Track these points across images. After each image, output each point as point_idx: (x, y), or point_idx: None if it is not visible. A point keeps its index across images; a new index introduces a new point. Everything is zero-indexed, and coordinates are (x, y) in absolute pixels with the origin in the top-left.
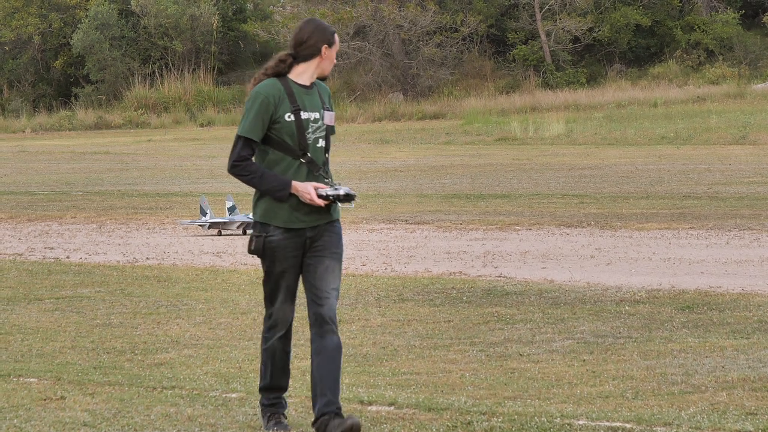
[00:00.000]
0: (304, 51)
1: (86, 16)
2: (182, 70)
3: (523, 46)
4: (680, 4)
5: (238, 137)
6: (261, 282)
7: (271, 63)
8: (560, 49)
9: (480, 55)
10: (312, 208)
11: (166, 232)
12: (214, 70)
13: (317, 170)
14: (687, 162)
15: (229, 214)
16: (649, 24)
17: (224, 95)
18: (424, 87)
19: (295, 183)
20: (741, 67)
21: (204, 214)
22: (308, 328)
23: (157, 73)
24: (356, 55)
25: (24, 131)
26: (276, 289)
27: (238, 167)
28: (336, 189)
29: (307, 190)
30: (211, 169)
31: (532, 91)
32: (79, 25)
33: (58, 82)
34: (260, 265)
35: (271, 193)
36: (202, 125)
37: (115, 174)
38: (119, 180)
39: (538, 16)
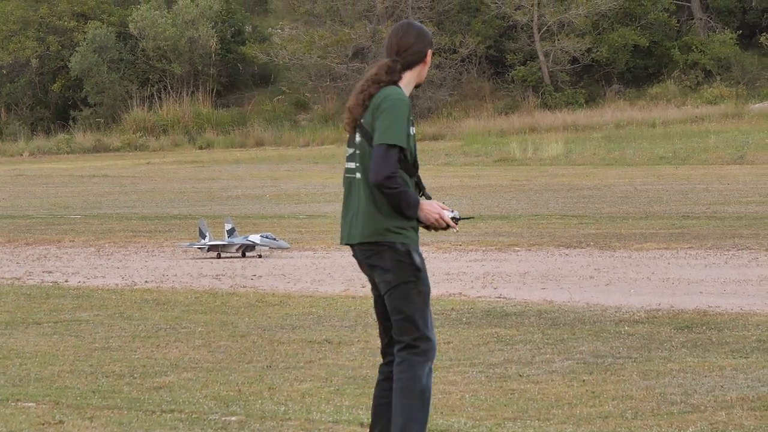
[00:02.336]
0: (409, 57)
1: (84, 39)
2: (181, 93)
3: (522, 67)
4: (678, 25)
5: (394, 146)
6: (412, 311)
7: (380, 71)
8: (559, 69)
9: (479, 76)
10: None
11: (165, 255)
12: (212, 92)
13: (422, 190)
14: (685, 182)
15: (228, 237)
16: (647, 44)
17: (223, 117)
18: (423, 108)
19: (422, 201)
20: (739, 87)
21: (203, 236)
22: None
23: (155, 95)
24: (355, 76)
25: (22, 155)
26: (428, 310)
27: (393, 178)
28: (452, 210)
29: (435, 209)
30: (210, 191)
31: (531, 111)
32: (76, 48)
33: (56, 105)
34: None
35: (409, 209)
36: (201, 148)
37: (114, 197)
38: (118, 203)
39: (537, 37)
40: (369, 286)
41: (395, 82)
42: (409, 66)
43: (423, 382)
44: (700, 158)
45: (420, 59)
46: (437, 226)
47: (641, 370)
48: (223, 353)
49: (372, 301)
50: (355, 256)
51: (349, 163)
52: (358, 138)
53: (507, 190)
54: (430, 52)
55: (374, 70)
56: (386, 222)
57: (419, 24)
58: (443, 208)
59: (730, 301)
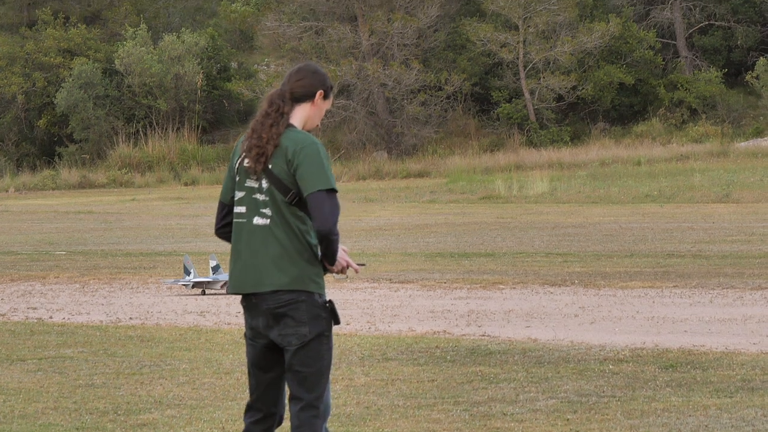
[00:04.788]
0: (298, 89)
1: (70, 75)
2: (166, 129)
3: (507, 104)
4: (663, 63)
5: (333, 191)
6: (323, 367)
7: (275, 99)
8: (544, 107)
9: (464, 113)
10: None
11: (150, 291)
12: (198, 128)
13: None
14: (671, 220)
15: (213, 274)
16: (633, 82)
17: (208, 154)
18: (409, 145)
19: None
20: (724, 126)
21: (188, 273)
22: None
23: (141, 131)
24: (341, 113)
25: (7, 191)
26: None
27: (336, 224)
28: None
29: (343, 256)
30: (195, 228)
31: (516, 149)
32: (62, 84)
33: (42, 142)
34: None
35: (336, 254)
36: (186, 184)
37: (99, 233)
38: (103, 239)
39: (522, 75)
40: (353, 323)
41: (287, 112)
42: (297, 99)
43: None
44: (685, 196)
45: (308, 95)
46: (338, 273)
47: (625, 410)
48: (207, 390)
49: (354, 338)
50: (255, 304)
51: (239, 208)
52: (264, 184)
53: (492, 227)
54: (320, 93)
55: (267, 102)
56: (307, 269)
57: (317, 66)
58: (345, 252)
59: (714, 340)
